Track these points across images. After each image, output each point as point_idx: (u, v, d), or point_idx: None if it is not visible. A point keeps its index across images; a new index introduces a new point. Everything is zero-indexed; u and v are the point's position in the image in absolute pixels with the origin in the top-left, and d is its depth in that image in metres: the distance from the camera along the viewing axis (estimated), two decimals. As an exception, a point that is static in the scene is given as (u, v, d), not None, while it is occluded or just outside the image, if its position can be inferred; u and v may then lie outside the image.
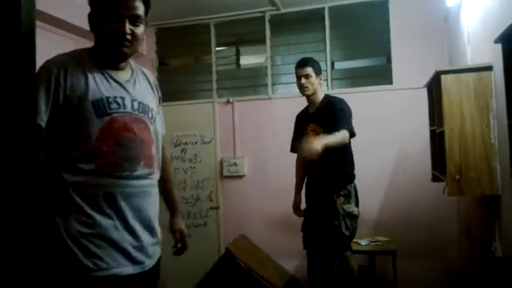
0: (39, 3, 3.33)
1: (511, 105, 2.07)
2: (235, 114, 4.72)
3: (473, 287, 3.44)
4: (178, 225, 1.96)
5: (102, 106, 1.48)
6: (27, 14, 0.75)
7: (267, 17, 4.65)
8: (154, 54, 5.01)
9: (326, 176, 3.12)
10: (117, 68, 1.59)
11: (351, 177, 3.17)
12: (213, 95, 4.82)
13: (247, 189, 4.64)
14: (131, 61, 1.68)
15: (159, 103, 1.80)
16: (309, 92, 3.18)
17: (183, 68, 5.33)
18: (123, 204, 1.49)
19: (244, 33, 4.89)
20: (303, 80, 3.15)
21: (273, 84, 4.69)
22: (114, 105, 1.51)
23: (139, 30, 1.57)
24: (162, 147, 1.78)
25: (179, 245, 1.97)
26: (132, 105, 1.56)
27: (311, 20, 4.59)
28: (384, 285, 4.03)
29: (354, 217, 3.08)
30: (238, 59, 5.00)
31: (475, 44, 3.11)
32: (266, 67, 4.71)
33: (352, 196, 3.11)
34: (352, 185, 3.15)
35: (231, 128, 4.72)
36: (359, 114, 4.22)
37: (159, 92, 1.83)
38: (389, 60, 4.34)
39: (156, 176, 1.67)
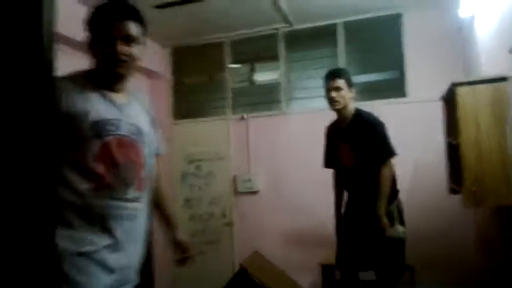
0: (59, 26, 3.42)
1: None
2: (250, 130, 4.73)
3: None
4: (181, 237, 1.97)
5: (100, 128, 1.52)
6: (48, 36, 0.80)
7: (281, 34, 4.70)
8: (169, 73, 5.08)
9: (368, 197, 2.88)
10: (115, 90, 1.63)
11: (392, 196, 2.92)
12: (227, 112, 4.86)
13: (261, 205, 4.61)
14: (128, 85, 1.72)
15: (154, 124, 1.82)
16: (339, 106, 2.94)
17: (198, 86, 5.38)
18: (115, 226, 1.52)
19: (258, 50, 4.94)
20: (334, 93, 2.91)
21: (288, 99, 4.70)
22: (110, 127, 1.54)
23: (134, 50, 1.60)
24: (157, 165, 1.82)
25: (184, 255, 1.95)
26: (128, 128, 1.60)
27: (324, 35, 4.62)
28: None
29: (398, 241, 2.86)
30: (252, 76, 5.04)
31: (490, 55, 3.08)
32: (280, 83, 4.73)
33: (394, 216, 2.88)
34: (395, 203, 2.93)
35: (245, 144, 4.73)
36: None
37: (152, 115, 1.83)
38: (402, 73, 4.32)
39: (145, 199, 1.68)
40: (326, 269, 3.75)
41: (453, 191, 3.31)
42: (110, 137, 1.53)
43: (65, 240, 1.41)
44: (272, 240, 4.51)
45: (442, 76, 3.49)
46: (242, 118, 4.76)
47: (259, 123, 4.73)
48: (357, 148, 2.90)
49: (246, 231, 4.63)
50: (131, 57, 1.59)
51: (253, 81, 5.06)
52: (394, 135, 4.13)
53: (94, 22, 1.59)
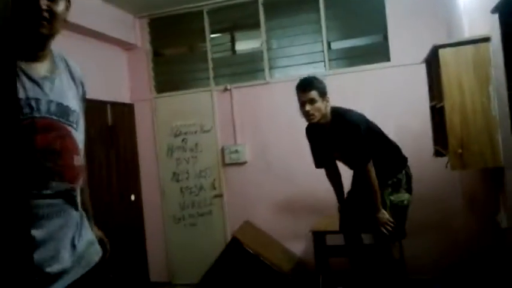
0: None
1: (510, 76, 2.06)
2: (234, 101, 4.70)
3: (479, 259, 3.45)
4: (97, 233, 1.77)
5: None
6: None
7: (261, 1, 4.60)
8: (148, 45, 4.97)
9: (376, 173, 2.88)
10: (36, 59, 1.36)
11: (400, 165, 3.00)
12: (211, 83, 4.80)
13: (249, 175, 4.64)
14: (54, 50, 1.48)
15: (83, 101, 1.56)
16: (316, 120, 2.83)
17: (178, 58, 5.28)
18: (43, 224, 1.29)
19: (238, 19, 4.84)
20: (308, 107, 2.78)
21: (270, 68, 4.65)
22: (26, 110, 1.27)
23: (59, 7, 1.36)
24: None
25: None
26: (49, 108, 1.33)
27: (305, 1, 4.54)
28: (390, 261, 4.05)
29: (401, 207, 2.92)
30: (233, 45, 4.96)
31: (472, 16, 3.07)
32: (262, 52, 4.67)
33: (402, 184, 2.94)
34: (403, 172, 2.97)
35: (230, 115, 4.70)
36: (358, 93, 4.24)
37: (84, 88, 1.58)
38: (386, 37, 4.30)
39: (78, 191, 1.44)
40: (317, 236, 3.83)
41: (437, 153, 3.37)
42: (25, 122, 1.26)
43: None
44: (262, 209, 4.57)
45: (425, 39, 3.48)
46: (225, 89, 4.71)
47: (243, 94, 4.69)
48: (347, 157, 2.96)
49: (236, 202, 4.67)
50: (55, 15, 1.34)
51: (235, 50, 4.99)
52: (379, 99, 4.19)
53: None
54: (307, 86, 2.80)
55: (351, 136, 2.80)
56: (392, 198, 2.90)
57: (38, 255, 1.24)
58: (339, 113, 2.88)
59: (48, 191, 1.30)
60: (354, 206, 3.08)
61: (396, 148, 3.05)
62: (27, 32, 1.30)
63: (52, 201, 1.31)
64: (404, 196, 2.93)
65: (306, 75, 2.96)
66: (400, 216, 2.92)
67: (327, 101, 2.84)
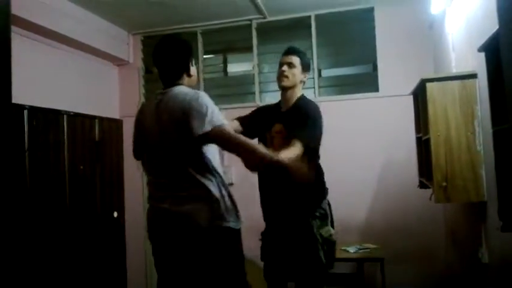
0: (28, 13, 3.27)
1: (495, 112, 2.09)
2: (223, 122, 4.69)
3: (460, 293, 3.45)
4: None
5: None
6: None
7: (254, 25, 4.67)
8: (140, 62, 4.98)
9: (294, 191, 2.49)
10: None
11: (324, 190, 2.62)
12: (201, 103, 4.80)
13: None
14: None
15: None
16: (287, 83, 2.60)
17: (170, 76, 5.28)
18: None
19: (231, 41, 4.90)
20: (285, 67, 2.60)
21: (261, 91, 4.69)
22: None
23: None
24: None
25: None
26: None
27: (297, 27, 4.62)
28: (372, 292, 4.03)
29: (332, 243, 2.53)
30: (225, 67, 5.00)
31: (460, 52, 3.15)
32: (253, 75, 4.71)
33: (328, 215, 2.58)
34: (326, 201, 2.61)
35: (218, 136, 4.68)
36: (346, 121, 4.29)
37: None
38: (375, 67, 4.37)
39: None
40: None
41: (422, 185, 3.39)
42: None
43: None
44: (247, 233, 4.50)
45: (413, 72, 3.55)
46: (215, 110, 4.71)
47: (233, 115, 4.65)
48: (292, 128, 2.48)
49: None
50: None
51: (227, 72, 5.02)
52: (366, 129, 4.23)
53: None
54: (292, 50, 2.67)
55: (310, 114, 2.50)
56: (322, 232, 2.50)
57: None
58: (305, 99, 2.66)
59: None
60: (277, 248, 2.66)
61: (322, 171, 2.64)
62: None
63: None
64: (331, 230, 2.55)
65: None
66: (331, 254, 2.54)
67: (305, 77, 2.67)
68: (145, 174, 2.27)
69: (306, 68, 2.67)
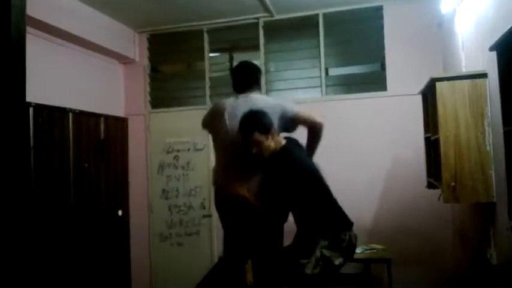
0: (35, 11, 3.27)
1: (505, 112, 2.06)
2: (229, 120, 4.67)
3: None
4: None
5: None
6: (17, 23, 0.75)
7: (261, 24, 4.64)
8: (146, 60, 4.97)
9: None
10: None
11: (344, 226, 2.52)
12: (207, 101, 4.79)
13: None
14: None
15: None
16: (268, 154, 2.56)
17: (176, 75, 5.29)
18: None
19: (237, 40, 4.87)
20: (255, 150, 2.53)
21: (267, 91, 4.66)
22: None
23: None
24: None
25: None
26: None
27: (305, 26, 4.58)
28: (378, 293, 4.00)
29: (330, 265, 2.41)
30: (231, 65, 4.97)
31: (470, 51, 3.11)
32: (260, 74, 4.68)
33: (342, 246, 2.44)
34: (347, 236, 2.47)
35: (224, 134, 4.67)
36: (353, 120, 4.26)
37: None
38: (383, 66, 4.34)
39: None
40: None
41: (430, 185, 3.36)
42: None
43: None
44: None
45: (422, 70, 3.52)
46: (221, 108, 4.69)
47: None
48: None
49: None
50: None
51: (233, 70, 5.00)
52: (374, 128, 4.20)
53: None
54: (246, 130, 2.53)
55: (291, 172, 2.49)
56: (324, 251, 2.40)
57: None
58: (289, 152, 2.59)
59: None
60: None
61: (339, 209, 2.55)
62: None
63: None
64: (338, 258, 2.42)
65: (251, 110, 2.60)
66: (324, 273, 2.42)
67: (274, 134, 2.55)
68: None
69: (267, 130, 2.52)
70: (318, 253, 2.41)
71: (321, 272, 2.39)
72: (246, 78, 2.86)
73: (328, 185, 2.55)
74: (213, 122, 2.89)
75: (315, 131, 2.69)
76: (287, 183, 2.49)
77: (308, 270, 2.38)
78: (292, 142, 2.68)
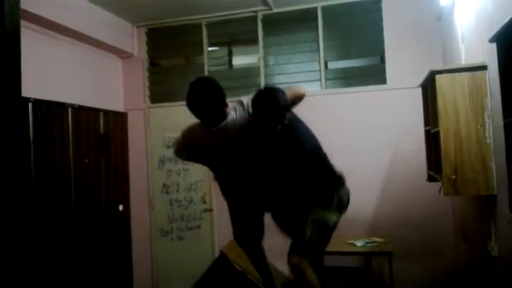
0: (33, 6, 3.25)
1: (506, 104, 2.06)
2: (228, 115, 4.66)
3: (469, 287, 3.42)
4: None
5: None
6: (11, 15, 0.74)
7: (260, 17, 4.62)
8: (145, 54, 4.96)
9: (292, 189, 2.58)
10: None
11: (333, 184, 2.56)
12: (206, 96, 4.77)
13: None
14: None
15: None
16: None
17: (174, 69, 5.27)
18: None
19: (236, 33, 4.86)
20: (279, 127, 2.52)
21: (266, 84, 4.64)
22: None
23: None
24: None
25: None
26: None
27: (304, 19, 4.57)
28: (380, 286, 4.01)
29: (326, 228, 2.47)
30: (230, 59, 4.96)
31: (469, 43, 3.10)
32: (259, 67, 4.67)
33: (333, 204, 2.50)
34: (340, 191, 2.54)
35: (224, 129, 4.66)
36: (353, 113, 4.25)
37: None
38: (383, 59, 4.32)
39: None
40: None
41: (431, 178, 3.36)
42: None
43: None
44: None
45: (422, 63, 3.52)
46: (221, 102, 4.68)
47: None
48: None
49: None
50: None
51: (232, 64, 4.99)
52: (374, 122, 4.19)
53: None
54: (271, 122, 2.48)
55: None
56: (319, 213, 2.47)
57: None
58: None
59: None
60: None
61: (329, 166, 2.61)
62: None
63: None
64: (332, 216, 2.49)
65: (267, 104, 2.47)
66: (322, 237, 2.51)
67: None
68: None
69: (285, 114, 2.47)
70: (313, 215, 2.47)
71: (318, 236, 2.47)
72: (209, 108, 2.46)
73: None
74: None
75: None
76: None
77: (308, 234, 2.46)
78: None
